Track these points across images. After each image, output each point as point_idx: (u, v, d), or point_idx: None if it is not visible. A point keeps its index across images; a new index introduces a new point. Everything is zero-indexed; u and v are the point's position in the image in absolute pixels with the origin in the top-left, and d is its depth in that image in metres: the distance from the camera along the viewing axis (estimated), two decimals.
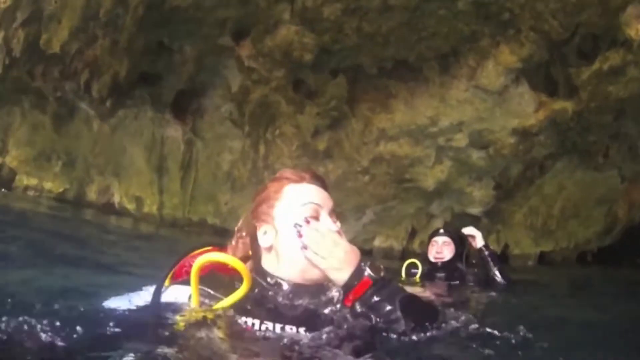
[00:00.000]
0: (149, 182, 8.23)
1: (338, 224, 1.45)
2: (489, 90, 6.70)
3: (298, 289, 1.40)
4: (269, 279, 1.41)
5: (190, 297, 1.34)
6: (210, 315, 1.29)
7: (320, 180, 1.49)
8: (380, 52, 6.60)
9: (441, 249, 3.84)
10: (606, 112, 6.71)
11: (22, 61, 6.76)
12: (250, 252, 1.49)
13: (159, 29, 6.57)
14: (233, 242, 1.54)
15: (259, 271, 1.44)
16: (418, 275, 3.86)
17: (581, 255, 8.81)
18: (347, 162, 7.38)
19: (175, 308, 1.34)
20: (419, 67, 6.82)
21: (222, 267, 1.38)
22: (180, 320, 1.27)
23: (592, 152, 7.44)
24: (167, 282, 1.43)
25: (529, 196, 8.01)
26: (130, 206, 8.28)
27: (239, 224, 1.57)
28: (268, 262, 1.44)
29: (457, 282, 3.75)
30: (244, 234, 1.53)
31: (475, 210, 7.89)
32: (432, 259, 3.88)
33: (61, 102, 7.58)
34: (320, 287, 1.42)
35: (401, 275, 3.89)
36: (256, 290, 1.38)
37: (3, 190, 7.77)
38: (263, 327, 1.32)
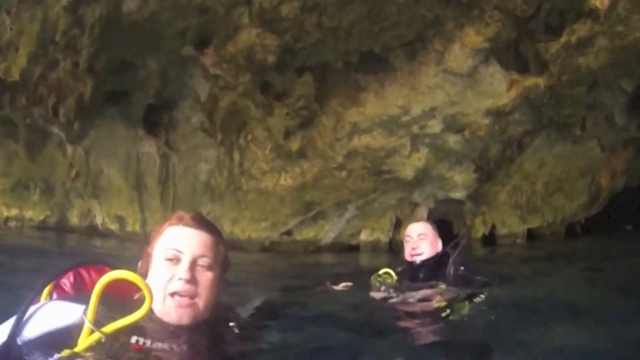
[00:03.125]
0: (129, 201, 8.10)
1: (205, 273, 1.50)
2: (458, 73, 6.59)
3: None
4: None
5: (83, 313, 1.29)
6: (104, 334, 1.27)
7: (204, 224, 1.56)
8: (344, 46, 6.46)
9: (417, 244, 3.10)
10: (579, 84, 6.61)
11: None
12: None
13: (119, 47, 6.38)
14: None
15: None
16: (394, 278, 3.12)
17: (569, 228, 8.79)
18: (322, 159, 7.24)
19: (67, 330, 1.28)
20: (386, 57, 6.69)
21: (116, 289, 1.38)
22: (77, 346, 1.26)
23: (569, 125, 7.36)
24: (44, 298, 1.42)
25: (511, 175, 7.95)
26: (114, 226, 8.17)
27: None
28: None
29: (437, 282, 2.96)
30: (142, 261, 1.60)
31: (458, 194, 7.81)
32: (408, 258, 3.13)
33: (32, 129, 7.46)
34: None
35: (374, 283, 3.18)
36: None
37: None
38: (154, 346, 1.35)
